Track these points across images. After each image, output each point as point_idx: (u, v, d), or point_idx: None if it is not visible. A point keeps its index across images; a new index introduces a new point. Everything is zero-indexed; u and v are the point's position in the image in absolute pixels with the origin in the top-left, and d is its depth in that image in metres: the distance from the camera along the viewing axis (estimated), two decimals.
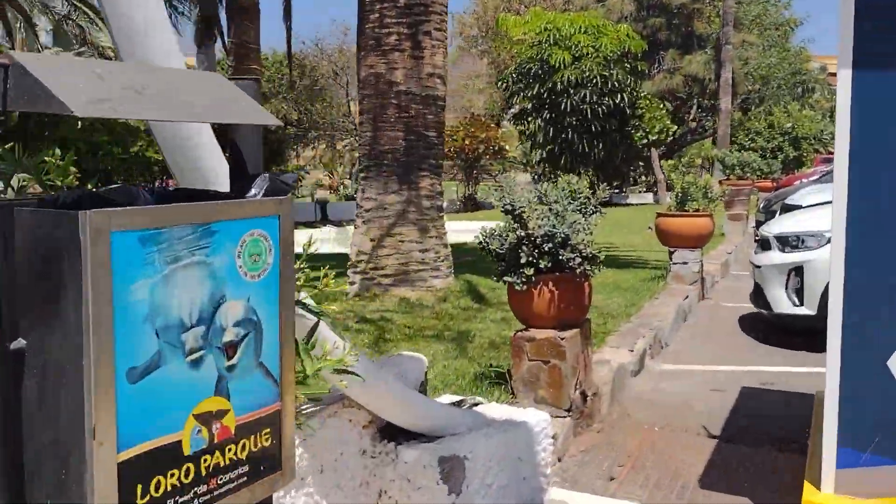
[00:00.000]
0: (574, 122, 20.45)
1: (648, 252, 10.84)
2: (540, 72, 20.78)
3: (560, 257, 4.07)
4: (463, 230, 19.75)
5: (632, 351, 5.37)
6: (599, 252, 4.24)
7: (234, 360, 1.30)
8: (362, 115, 7.07)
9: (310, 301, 1.89)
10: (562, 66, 20.08)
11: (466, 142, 20.48)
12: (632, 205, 24.02)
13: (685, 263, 7.89)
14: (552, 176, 25.51)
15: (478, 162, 21.21)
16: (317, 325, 1.86)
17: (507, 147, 21.75)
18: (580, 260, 4.08)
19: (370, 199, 7.01)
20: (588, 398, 4.34)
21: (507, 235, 4.18)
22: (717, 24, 26.30)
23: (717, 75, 24.78)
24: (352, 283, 7.06)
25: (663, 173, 23.50)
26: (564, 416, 4.03)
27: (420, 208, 6.96)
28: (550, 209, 4.20)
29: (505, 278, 4.15)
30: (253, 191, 1.42)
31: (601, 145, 20.77)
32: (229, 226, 1.29)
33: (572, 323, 4.19)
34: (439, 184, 7.19)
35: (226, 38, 18.20)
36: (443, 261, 7.13)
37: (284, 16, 19.81)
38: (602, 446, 4.15)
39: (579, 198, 4.43)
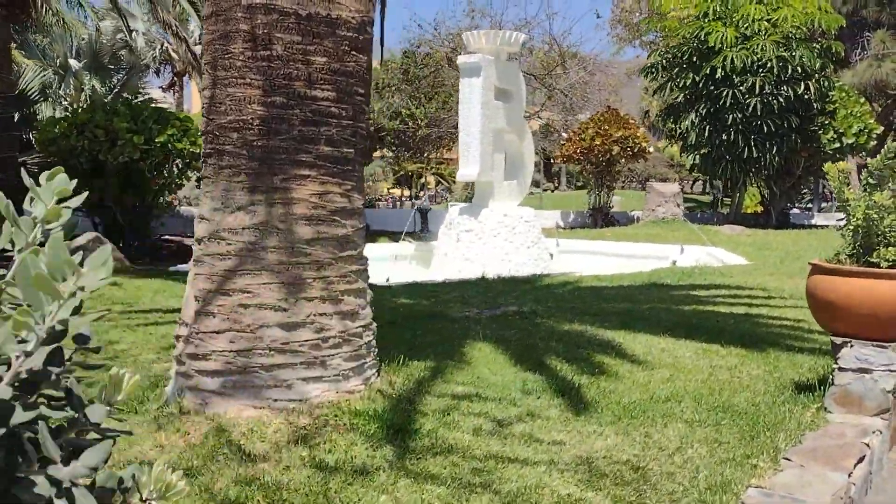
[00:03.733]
0: (738, 119, 15.85)
1: None
2: (695, 56, 16.38)
3: None
4: (581, 251, 15.79)
5: None
6: None
7: None
8: (205, 63, 3.72)
9: None
10: (723, 46, 15.59)
11: (597, 141, 16.50)
12: (818, 227, 18.61)
13: (865, 372, 3.85)
14: (707, 185, 20.79)
15: (612, 166, 17.14)
16: None
17: (650, 148, 17.48)
18: None
19: (203, 219, 3.64)
20: None
21: None
22: None
23: None
24: (167, 382, 3.72)
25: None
26: None
27: (291, 240, 3.49)
28: None
29: None
30: None
31: (775, 149, 16.01)
32: None
33: None
34: (343, 194, 3.66)
35: None
36: (341, 345, 3.61)
37: None
38: None
39: None
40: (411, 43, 20.57)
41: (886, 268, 3.85)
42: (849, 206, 4.00)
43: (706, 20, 16.11)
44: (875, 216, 3.87)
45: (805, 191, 19.93)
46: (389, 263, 14.10)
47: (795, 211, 20.99)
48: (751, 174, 16.77)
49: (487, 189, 11.72)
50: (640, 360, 5.16)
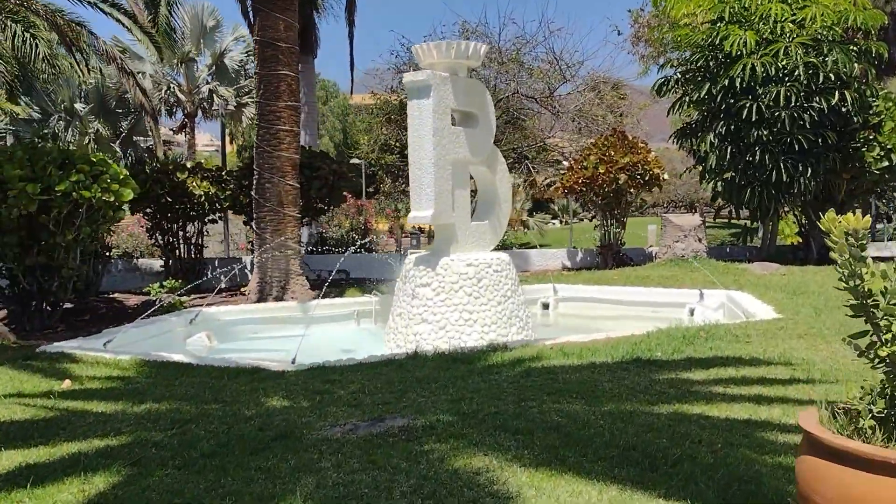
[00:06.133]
0: (764, 136, 13.50)
1: None
2: (711, 64, 14.13)
3: None
4: (583, 299, 13.49)
5: None
6: None
7: None
8: None
9: None
10: (743, 52, 13.33)
11: (600, 169, 14.30)
12: (881, 259, 15.93)
13: None
14: (731, 215, 18.33)
15: (621, 197, 14.90)
16: None
17: (665, 175, 15.18)
18: None
19: None
20: None
21: None
22: None
23: None
24: None
25: None
26: None
27: None
28: None
29: None
30: None
31: (810, 171, 13.61)
32: None
33: None
34: None
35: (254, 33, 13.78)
36: None
37: (347, 9, 15.01)
38: None
39: None
40: (400, 69, 18.71)
41: None
42: (873, 310, 1.82)
43: (722, 24, 13.89)
44: None
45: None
46: (350, 324, 12.03)
47: None
48: (783, 201, 14.34)
49: (449, 233, 9.60)
50: None
